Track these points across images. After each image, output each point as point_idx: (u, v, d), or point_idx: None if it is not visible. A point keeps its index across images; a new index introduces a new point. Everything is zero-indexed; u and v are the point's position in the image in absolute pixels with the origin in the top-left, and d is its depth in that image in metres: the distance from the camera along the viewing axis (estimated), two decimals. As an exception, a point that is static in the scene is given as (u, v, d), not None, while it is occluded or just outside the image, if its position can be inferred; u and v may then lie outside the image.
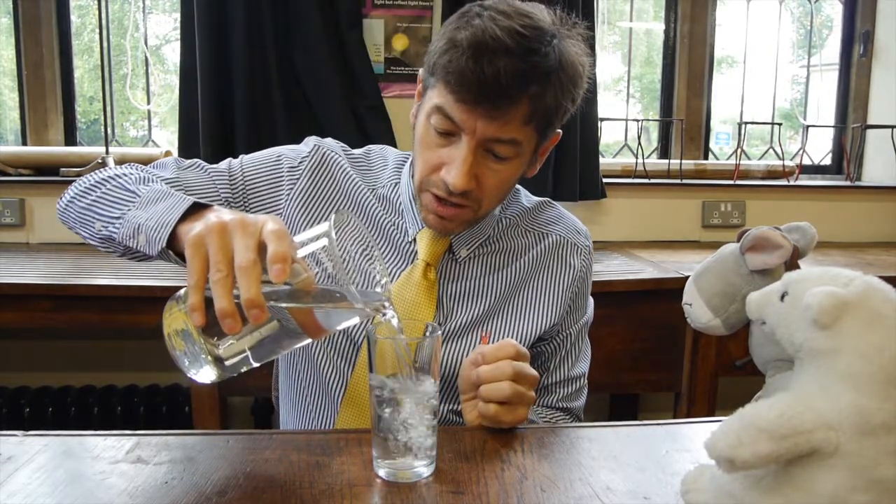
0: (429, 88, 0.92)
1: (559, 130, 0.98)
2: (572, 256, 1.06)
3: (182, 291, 0.70)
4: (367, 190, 1.04)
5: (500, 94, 0.84)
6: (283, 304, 0.68)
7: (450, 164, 0.89)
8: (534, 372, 0.84)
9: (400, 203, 1.03)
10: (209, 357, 0.69)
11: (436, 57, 0.89)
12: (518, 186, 1.11)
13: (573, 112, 0.95)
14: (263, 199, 1.02)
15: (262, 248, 0.65)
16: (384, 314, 0.71)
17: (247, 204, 1.01)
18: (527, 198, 1.11)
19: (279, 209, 1.01)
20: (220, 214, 0.70)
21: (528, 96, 0.86)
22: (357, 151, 1.09)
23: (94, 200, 0.89)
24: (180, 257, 0.75)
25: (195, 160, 1.03)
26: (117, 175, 0.92)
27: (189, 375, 0.70)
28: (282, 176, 1.02)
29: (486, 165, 0.91)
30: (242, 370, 0.71)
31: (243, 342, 0.69)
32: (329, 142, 1.07)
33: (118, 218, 0.84)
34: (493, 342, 0.98)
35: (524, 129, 0.89)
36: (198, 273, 0.65)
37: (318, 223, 1.00)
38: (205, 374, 0.70)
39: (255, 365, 0.71)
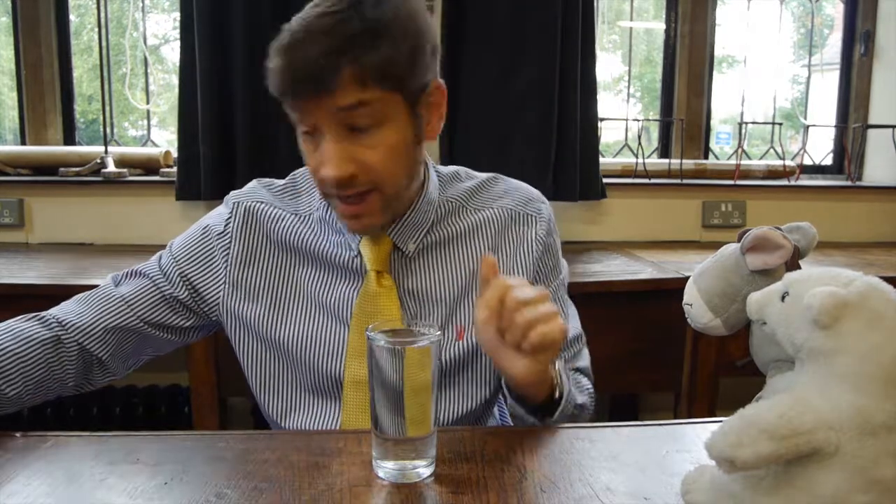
0: None
1: (439, 81, 0.93)
2: (526, 229, 1.03)
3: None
4: (300, 223, 1.02)
5: (318, 71, 0.83)
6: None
7: (323, 160, 0.88)
8: (531, 290, 0.80)
9: (334, 219, 1.00)
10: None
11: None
12: (460, 168, 1.08)
13: (430, 58, 0.91)
14: (203, 275, 1.02)
15: None
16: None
17: (190, 285, 1.01)
18: (469, 177, 1.08)
19: (221, 278, 1.01)
20: None
21: (347, 61, 0.83)
22: (281, 182, 1.08)
23: None
24: None
25: (131, 268, 1.04)
26: None
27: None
28: (213, 247, 1.02)
29: (358, 142, 0.88)
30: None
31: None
32: (248, 190, 1.06)
33: None
34: (467, 332, 0.97)
35: (366, 91, 0.85)
36: None
37: (262, 281, 1.01)
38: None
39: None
